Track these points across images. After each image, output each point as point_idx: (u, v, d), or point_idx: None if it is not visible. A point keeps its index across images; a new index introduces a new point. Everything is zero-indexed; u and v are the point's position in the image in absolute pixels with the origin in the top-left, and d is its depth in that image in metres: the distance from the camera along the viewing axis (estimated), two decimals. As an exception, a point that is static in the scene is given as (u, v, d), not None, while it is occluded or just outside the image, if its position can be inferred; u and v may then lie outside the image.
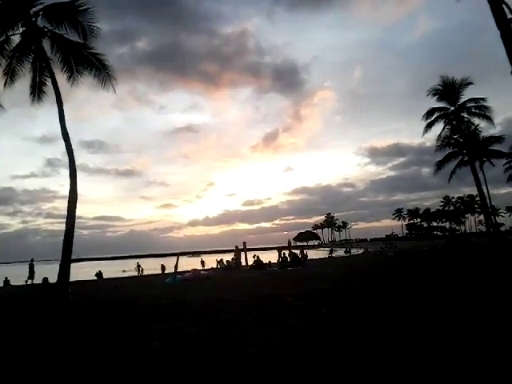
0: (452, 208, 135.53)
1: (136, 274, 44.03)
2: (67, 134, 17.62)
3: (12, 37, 18.01)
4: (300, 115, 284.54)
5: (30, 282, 32.40)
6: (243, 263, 34.97)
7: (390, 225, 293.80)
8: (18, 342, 8.36)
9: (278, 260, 36.22)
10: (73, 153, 17.70)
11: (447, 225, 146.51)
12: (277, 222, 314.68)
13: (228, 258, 36.51)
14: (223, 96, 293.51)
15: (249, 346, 6.52)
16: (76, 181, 17.57)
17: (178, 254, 27.01)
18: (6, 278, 37.16)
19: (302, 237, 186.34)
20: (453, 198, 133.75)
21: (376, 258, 39.74)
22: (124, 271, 46.94)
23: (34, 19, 17.69)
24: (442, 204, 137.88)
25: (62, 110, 17.58)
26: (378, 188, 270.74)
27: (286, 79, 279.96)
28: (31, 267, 33.49)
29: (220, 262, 35.59)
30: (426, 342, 6.06)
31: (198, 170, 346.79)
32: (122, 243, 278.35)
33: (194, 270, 26.63)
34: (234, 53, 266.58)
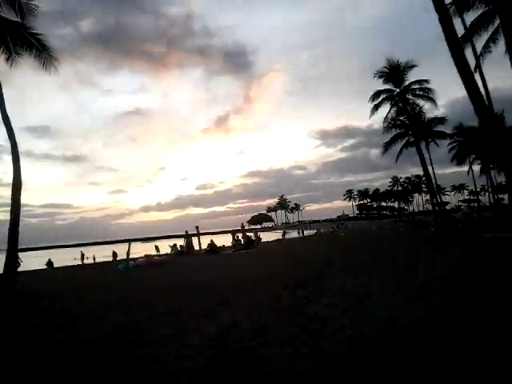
0: (400, 188, 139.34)
1: (80, 262, 42.88)
2: (8, 118, 16.77)
3: None
4: (250, 97, 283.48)
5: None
6: (197, 247, 34.86)
7: (341, 206, 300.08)
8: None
9: (232, 243, 36.41)
10: (15, 138, 16.90)
11: (396, 204, 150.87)
12: (230, 205, 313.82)
13: (181, 243, 36.23)
14: (172, 78, 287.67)
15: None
16: (19, 166, 16.81)
17: (129, 241, 26.64)
18: None
19: (255, 219, 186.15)
20: (401, 178, 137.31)
21: (326, 239, 40.55)
22: (75, 259, 45.78)
23: (-35, -3, 16.57)
24: (390, 184, 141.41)
25: (1, 94, 16.73)
26: (330, 170, 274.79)
27: (236, 61, 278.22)
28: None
29: (173, 246, 35.34)
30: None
31: (148, 154, 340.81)
32: (72, 231, 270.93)
33: (147, 256, 26.35)
34: (182, 34, 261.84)
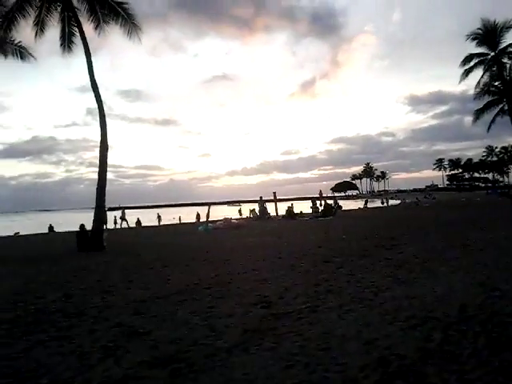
0: (495, 159, 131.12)
1: (175, 222, 45.59)
2: (96, 84, 17.95)
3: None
4: (338, 61, 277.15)
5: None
6: (273, 213, 35.37)
7: (430, 176, 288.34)
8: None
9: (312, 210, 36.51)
10: (102, 103, 18.06)
11: (490, 176, 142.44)
12: (315, 171, 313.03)
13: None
14: (259, 41, 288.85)
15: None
16: (106, 131, 17.99)
17: (209, 204, 27.64)
18: (51, 225, 39.26)
19: (339, 187, 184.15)
20: (496, 147, 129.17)
21: (409, 209, 39.43)
22: (174, 219, 48.85)
23: (59, -33, 17.64)
24: (484, 154, 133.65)
25: (91, 61, 17.84)
26: (419, 137, 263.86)
27: (324, 23, 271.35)
28: (123, 213, 38.76)
29: (252, 211, 36.09)
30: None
31: (235, 118, 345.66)
32: (162, 192, 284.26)
33: (226, 219, 27.20)
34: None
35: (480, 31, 34.97)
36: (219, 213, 38.84)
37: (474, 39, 35.32)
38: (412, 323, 4.72)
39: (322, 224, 23.61)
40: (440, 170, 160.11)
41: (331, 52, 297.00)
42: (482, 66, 35.97)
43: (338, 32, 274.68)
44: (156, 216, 47.26)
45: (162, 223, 44.48)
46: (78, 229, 17.16)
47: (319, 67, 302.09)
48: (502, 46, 34.80)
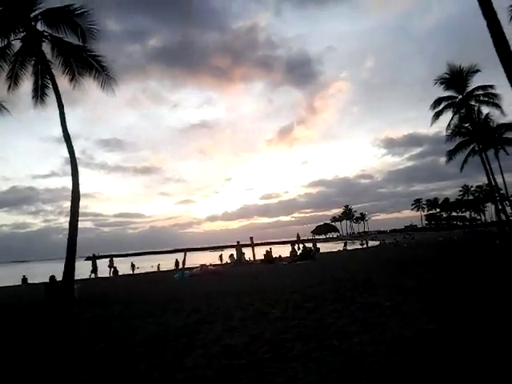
0: (471, 197, 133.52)
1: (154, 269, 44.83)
2: (68, 135, 17.92)
3: (13, 42, 18.33)
4: (314, 107, 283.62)
5: (93, 275, 35.33)
6: (251, 258, 35.16)
7: (409, 216, 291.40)
8: (20, 342, 8.69)
9: (290, 254, 36.39)
10: (74, 154, 17.98)
11: (467, 214, 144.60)
12: (295, 215, 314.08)
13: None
14: (236, 91, 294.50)
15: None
16: (78, 181, 17.86)
17: (185, 251, 27.34)
18: (24, 276, 38.19)
19: (320, 230, 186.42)
20: (471, 186, 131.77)
21: (388, 250, 39.57)
22: (137, 268, 47.80)
23: (33, 23, 17.97)
24: (460, 193, 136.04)
25: (63, 113, 17.87)
26: (397, 178, 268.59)
27: (299, 71, 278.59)
28: (94, 262, 36.42)
29: (230, 256, 35.92)
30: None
31: (214, 165, 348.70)
32: (143, 239, 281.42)
33: (202, 266, 26.92)
34: (245, 47, 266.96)
35: (447, 75, 36.37)
36: (200, 259, 38.50)
37: (442, 83, 36.67)
38: (375, 370, 4.62)
39: (299, 268, 23.51)
40: (418, 210, 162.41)
41: (308, 99, 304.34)
42: (451, 109, 37.20)
43: (314, 79, 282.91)
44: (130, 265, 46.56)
45: (140, 271, 43.68)
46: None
47: (296, 113, 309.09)
48: (469, 89, 36.15)
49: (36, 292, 20.42)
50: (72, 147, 17.99)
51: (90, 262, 37.97)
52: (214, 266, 31.08)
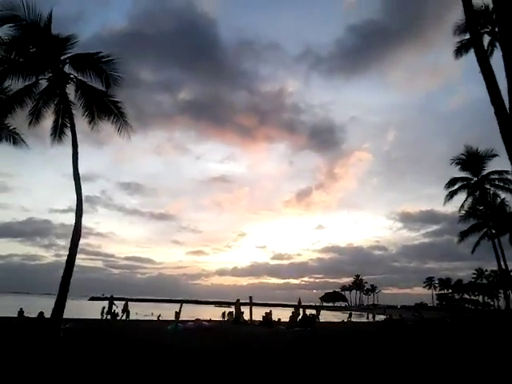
0: (485, 281, 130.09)
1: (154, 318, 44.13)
2: (78, 174, 18.43)
3: (40, 81, 19.20)
4: (334, 174, 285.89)
5: (107, 316, 35.82)
6: (248, 318, 34.39)
7: (420, 293, 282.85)
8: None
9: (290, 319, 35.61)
10: (81, 194, 18.38)
11: (480, 298, 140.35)
12: (305, 279, 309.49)
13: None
14: (259, 149, 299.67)
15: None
16: (81, 221, 18.19)
17: (181, 302, 26.97)
18: (21, 309, 37.88)
19: (328, 297, 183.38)
20: (486, 270, 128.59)
21: (389, 328, 38.34)
22: (136, 313, 47.01)
23: (61, 66, 18.96)
24: (474, 276, 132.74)
25: (77, 153, 18.50)
26: (411, 254, 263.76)
27: (322, 137, 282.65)
28: (111, 304, 36.71)
29: (229, 314, 35.21)
30: None
31: (230, 219, 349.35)
32: (150, 285, 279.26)
33: (197, 320, 26.44)
34: (272, 109, 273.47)
35: (464, 157, 36.52)
36: (201, 313, 37.85)
37: (458, 164, 36.82)
38: None
39: (295, 337, 22.79)
40: (430, 288, 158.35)
41: (328, 165, 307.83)
42: (466, 190, 37.08)
43: (336, 147, 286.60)
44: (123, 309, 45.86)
45: (138, 318, 42.94)
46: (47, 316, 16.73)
47: (316, 178, 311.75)
48: (485, 172, 36.19)
49: (26, 326, 20.29)
50: (80, 187, 18.39)
51: (97, 301, 37.87)
52: (210, 321, 30.52)
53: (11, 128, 20.89)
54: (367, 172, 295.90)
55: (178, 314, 25.74)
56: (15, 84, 18.74)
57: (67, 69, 19.13)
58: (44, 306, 35.73)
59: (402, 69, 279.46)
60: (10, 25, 17.61)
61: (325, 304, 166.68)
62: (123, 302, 38.52)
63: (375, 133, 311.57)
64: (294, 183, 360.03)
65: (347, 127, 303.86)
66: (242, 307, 33.92)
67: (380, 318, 70.13)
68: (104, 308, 37.44)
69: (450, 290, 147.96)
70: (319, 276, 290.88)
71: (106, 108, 19.58)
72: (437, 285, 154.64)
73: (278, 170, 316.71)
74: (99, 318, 36.61)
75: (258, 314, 36.90)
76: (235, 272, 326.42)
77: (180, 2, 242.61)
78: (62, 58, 18.84)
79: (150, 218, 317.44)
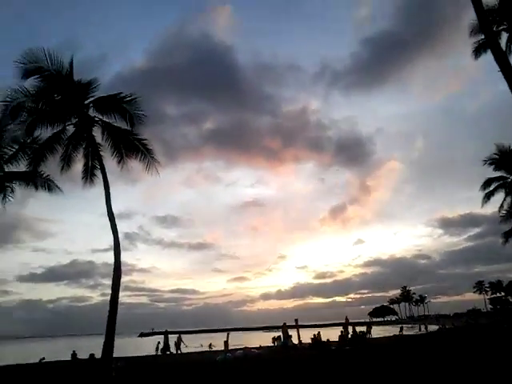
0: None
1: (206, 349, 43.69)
2: (113, 214, 18.78)
3: (67, 127, 19.83)
4: (366, 187, 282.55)
5: (168, 352, 34.65)
6: (296, 341, 33.65)
7: (472, 299, 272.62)
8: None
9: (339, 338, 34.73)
10: (117, 233, 18.66)
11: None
12: (352, 295, 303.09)
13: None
14: (287, 170, 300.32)
15: None
16: (120, 259, 18.43)
17: (228, 331, 26.70)
18: (74, 351, 38.17)
19: (377, 312, 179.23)
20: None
21: (444, 338, 36.90)
22: (186, 346, 46.78)
23: (86, 110, 19.53)
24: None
25: (109, 193, 18.90)
26: (455, 259, 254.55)
27: (349, 152, 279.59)
28: (166, 338, 35.56)
29: (277, 339, 34.49)
30: None
31: (267, 242, 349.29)
32: (197, 316, 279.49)
33: (245, 349, 26.10)
34: (296, 129, 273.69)
35: (496, 156, 35.35)
36: (252, 339, 37.28)
37: (491, 164, 35.67)
38: None
39: (347, 357, 22.07)
40: (481, 293, 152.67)
41: (359, 178, 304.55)
42: (503, 189, 35.80)
43: (365, 160, 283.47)
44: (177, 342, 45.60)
45: (189, 350, 42.64)
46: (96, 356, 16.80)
47: (348, 193, 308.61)
48: (520, 169, 34.89)
49: (80, 367, 20.40)
50: (115, 226, 18.67)
51: (148, 338, 37.73)
52: (259, 348, 30.09)
53: (45, 176, 21.53)
54: (400, 181, 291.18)
55: (226, 344, 25.48)
56: (44, 132, 19.55)
57: (92, 112, 19.70)
58: (94, 346, 36.08)
59: (422, 75, 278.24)
60: (35, 76, 18.39)
61: (374, 319, 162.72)
62: (176, 336, 38.27)
63: (403, 141, 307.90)
64: (327, 200, 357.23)
65: (374, 139, 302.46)
66: (289, 330, 33.27)
67: (433, 328, 68.01)
68: (159, 343, 37.10)
69: (503, 293, 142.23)
70: (365, 291, 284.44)
71: (132, 147, 19.96)
72: (488, 289, 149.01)
73: (309, 189, 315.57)
74: (151, 353, 36.45)
75: (307, 336, 36.16)
76: (279, 295, 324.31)
77: (195, 33, 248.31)
78: (85, 102, 19.42)
79: (188, 248, 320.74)
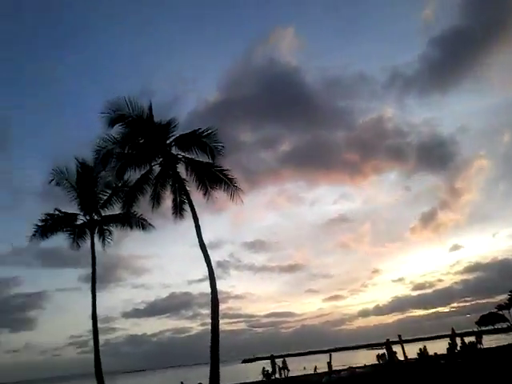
0: None
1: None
2: (204, 245, 19.28)
3: (153, 167, 20.89)
4: (456, 189, 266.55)
5: (273, 376, 34.97)
6: (402, 357, 32.25)
7: None
8: None
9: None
10: (211, 263, 19.13)
11: None
12: (455, 304, 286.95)
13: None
14: (370, 182, 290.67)
15: None
16: (216, 289, 18.78)
17: (330, 351, 26.24)
18: (182, 382, 39.02)
19: (485, 320, 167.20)
20: None
21: None
22: (304, 368, 46.46)
23: (169, 149, 20.50)
24: None
25: (198, 225, 19.44)
26: None
27: (433, 155, 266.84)
28: (273, 362, 36.23)
29: (381, 357, 33.16)
30: None
31: (359, 258, 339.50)
32: (296, 339, 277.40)
33: (350, 369, 25.45)
34: (374, 139, 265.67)
35: None
36: (356, 358, 36.31)
37: None
38: None
39: (458, 372, 20.75)
40: None
41: (447, 181, 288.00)
42: None
43: (450, 161, 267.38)
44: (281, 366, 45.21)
45: (292, 374, 42.20)
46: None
47: (437, 198, 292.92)
48: None
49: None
50: (208, 256, 19.19)
51: (250, 363, 37.67)
52: (364, 367, 29.22)
53: (138, 215, 22.94)
54: (490, 179, 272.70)
55: (329, 365, 25.06)
56: (133, 175, 20.91)
57: (174, 150, 20.66)
58: (201, 375, 36.86)
59: (498, 68, 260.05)
60: (120, 124, 19.83)
61: (483, 328, 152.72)
62: (281, 360, 38.04)
63: (488, 138, 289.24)
64: (415, 208, 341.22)
65: (457, 138, 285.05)
66: (393, 346, 32.04)
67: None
68: (264, 368, 36.97)
69: None
70: (468, 299, 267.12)
71: (216, 178, 20.56)
72: None
73: (395, 199, 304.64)
74: (257, 379, 36.35)
75: (412, 351, 34.60)
76: (378, 310, 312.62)
77: (261, 60, 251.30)
78: (167, 142, 20.41)
79: (279, 271, 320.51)
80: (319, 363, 47.22)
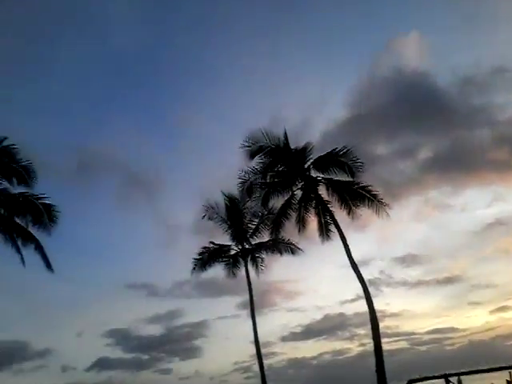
0: None
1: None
2: (355, 264, 19.03)
3: (295, 192, 21.45)
4: None
5: None
6: None
7: None
8: None
9: None
10: (365, 282, 18.80)
11: None
12: None
13: None
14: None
15: None
16: (374, 308, 18.42)
17: (509, 368, 23.71)
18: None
19: None
20: None
21: None
22: None
23: (308, 173, 20.90)
24: None
25: (347, 244, 19.31)
26: None
27: None
28: (447, 381, 34.71)
29: None
30: None
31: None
32: (462, 356, 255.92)
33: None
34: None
35: None
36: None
37: None
38: None
39: None
40: None
41: None
42: None
43: None
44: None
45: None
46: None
47: None
48: None
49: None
50: (360, 274, 18.94)
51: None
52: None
53: (286, 240, 23.59)
54: None
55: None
56: (276, 202, 21.74)
57: (313, 173, 20.98)
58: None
59: None
60: (259, 155, 20.82)
61: None
62: (455, 377, 35.58)
63: None
64: None
65: None
66: None
67: None
68: None
69: None
70: None
71: (358, 195, 20.42)
72: None
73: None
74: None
75: None
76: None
77: (387, 70, 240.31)
78: (305, 165, 20.84)
79: (435, 285, 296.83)
80: (496, 380, 43.01)
